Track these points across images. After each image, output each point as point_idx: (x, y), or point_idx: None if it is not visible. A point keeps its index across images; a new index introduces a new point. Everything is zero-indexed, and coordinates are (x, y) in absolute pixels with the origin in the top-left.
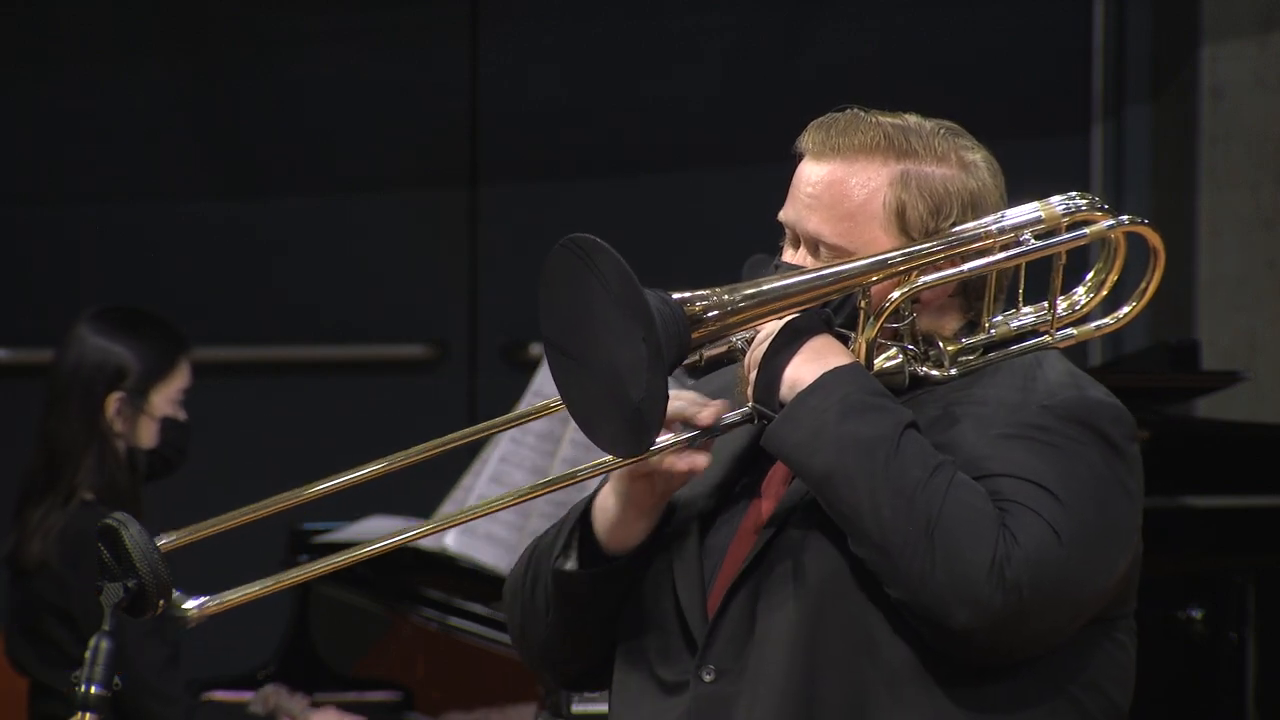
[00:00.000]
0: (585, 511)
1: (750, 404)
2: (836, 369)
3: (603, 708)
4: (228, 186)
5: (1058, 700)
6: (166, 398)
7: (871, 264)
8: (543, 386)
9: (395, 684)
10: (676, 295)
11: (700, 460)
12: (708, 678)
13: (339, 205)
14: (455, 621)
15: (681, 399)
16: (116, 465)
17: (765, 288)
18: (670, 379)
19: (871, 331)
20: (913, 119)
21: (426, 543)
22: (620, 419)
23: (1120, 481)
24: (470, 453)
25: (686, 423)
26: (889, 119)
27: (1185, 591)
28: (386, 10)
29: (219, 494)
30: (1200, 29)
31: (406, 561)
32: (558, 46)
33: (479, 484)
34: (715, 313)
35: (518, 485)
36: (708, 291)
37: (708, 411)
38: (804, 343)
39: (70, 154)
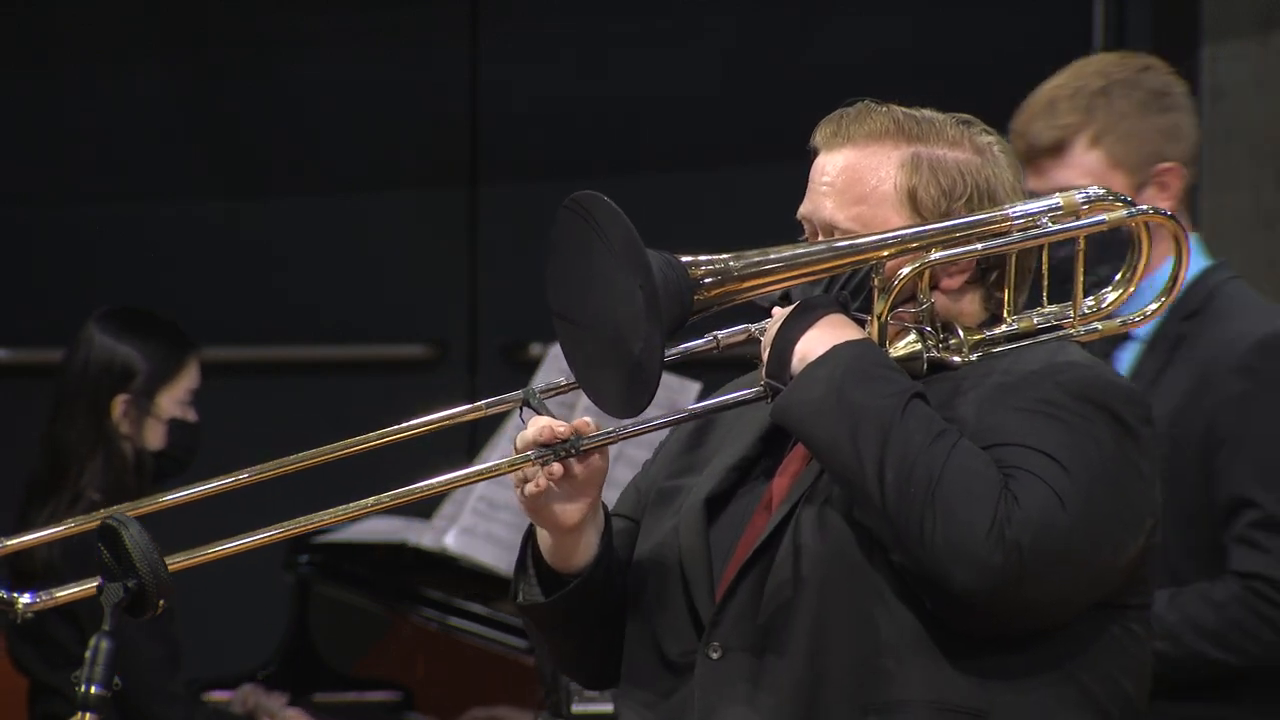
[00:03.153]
0: (530, 540)
1: (763, 379)
2: (847, 342)
3: (603, 708)
4: (228, 186)
5: (1062, 680)
6: (174, 399)
7: (879, 239)
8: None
9: (395, 684)
10: (685, 258)
11: (556, 469)
12: (714, 655)
13: (339, 205)
14: (455, 621)
15: (537, 424)
16: (123, 467)
17: (771, 255)
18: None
19: (883, 307)
20: (926, 111)
21: (427, 542)
22: (623, 377)
23: (1131, 461)
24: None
25: (544, 444)
26: (900, 108)
27: None
28: (386, 10)
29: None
30: (1200, 29)
31: (406, 561)
32: (557, 46)
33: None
34: (717, 277)
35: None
36: (712, 257)
37: (564, 427)
38: (817, 319)
39: (70, 154)
